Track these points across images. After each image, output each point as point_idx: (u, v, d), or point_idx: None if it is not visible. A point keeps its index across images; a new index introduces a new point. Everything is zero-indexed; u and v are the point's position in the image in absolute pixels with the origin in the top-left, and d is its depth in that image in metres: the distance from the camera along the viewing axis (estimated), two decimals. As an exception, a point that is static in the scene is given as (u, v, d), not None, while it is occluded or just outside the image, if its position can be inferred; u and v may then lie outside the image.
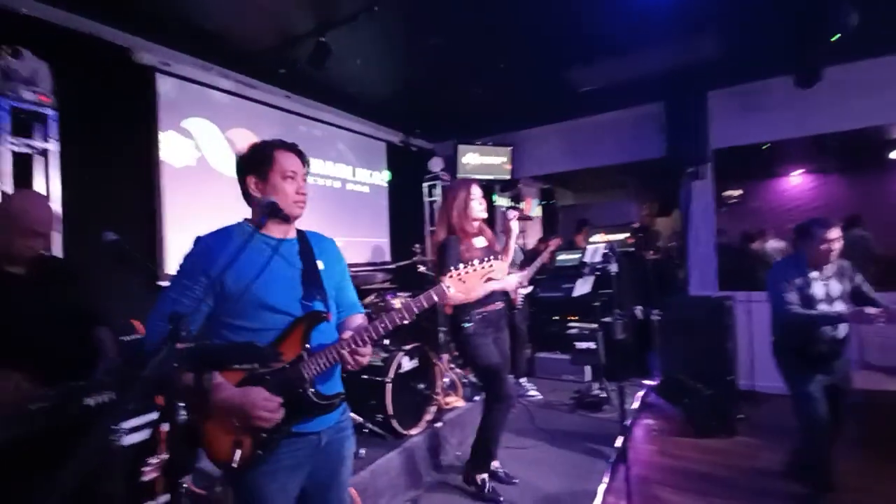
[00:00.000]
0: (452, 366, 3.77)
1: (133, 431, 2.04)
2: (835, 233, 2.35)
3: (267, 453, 1.20)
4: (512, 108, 4.97)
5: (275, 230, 1.32)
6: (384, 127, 5.30)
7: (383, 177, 5.32)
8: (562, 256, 5.11)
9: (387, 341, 3.14)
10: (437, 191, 5.46)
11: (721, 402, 3.58)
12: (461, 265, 1.35)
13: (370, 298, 3.42)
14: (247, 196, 1.35)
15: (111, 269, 1.90)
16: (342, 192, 4.76)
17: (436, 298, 1.33)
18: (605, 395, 3.83)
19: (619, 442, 3.13)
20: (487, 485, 2.51)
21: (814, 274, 2.43)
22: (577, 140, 5.38)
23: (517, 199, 6.56)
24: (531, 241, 6.65)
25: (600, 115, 5.16)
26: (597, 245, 3.85)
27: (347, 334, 1.28)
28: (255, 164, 1.32)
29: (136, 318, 2.24)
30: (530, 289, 4.13)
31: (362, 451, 2.55)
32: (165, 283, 3.14)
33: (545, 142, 5.60)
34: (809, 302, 2.39)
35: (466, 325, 2.38)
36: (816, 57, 3.46)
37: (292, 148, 1.35)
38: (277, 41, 3.24)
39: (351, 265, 4.69)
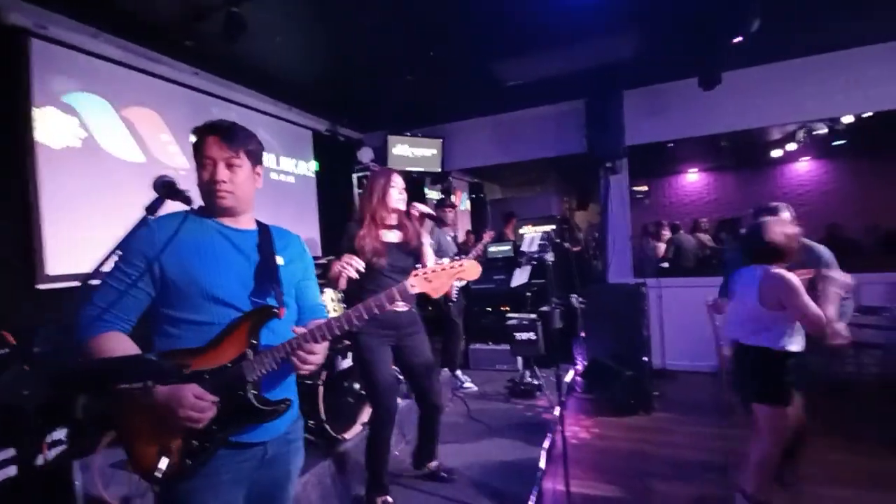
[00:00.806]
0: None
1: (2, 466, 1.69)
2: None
3: (198, 464, 1.07)
4: (442, 99, 4.92)
5: (229, 220, 1.23)
6: (309, 114, 4.99)
7: (310, 167, 5.01)
8: (492, 248, 5.19)
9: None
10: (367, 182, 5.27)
11: (639, 382, 3.85)
12: (430, 263, 1.30)
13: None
14: None
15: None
16: (265, 181, 4.37)
17: (398, 297, 1.24)
18: (537, 382, 3.94)
19: (553, 427, 3.23)
20: None
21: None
22: (505, 134, 5.48)
23: (448, 192, 6.56)
24: (461, 235, 6.71)
25: (527, 111, 5.30)
26: (533, 234, 3.93)
27: (300, 331, 1.17)
28: (194, 151, 1.21)
29: (4, 328, 1.85)
30: (464, 281, 4.12)
31: (293, 461, 2.37)
32: (46, 286, 2.68)
33: (474, 135, 5.64)
34: None
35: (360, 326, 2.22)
36: (717, 61, 3.81)
37: (210, 129, 1.20)
38: (182, 7, 2.86)
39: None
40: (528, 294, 4.40)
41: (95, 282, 1.08)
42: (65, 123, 2.87)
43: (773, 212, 2.42)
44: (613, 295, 4.56)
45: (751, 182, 9.51)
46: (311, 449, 2.53)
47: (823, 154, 8.71)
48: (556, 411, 3.29)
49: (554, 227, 5.49)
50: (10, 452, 1.62)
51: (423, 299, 2.21)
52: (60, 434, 1.54)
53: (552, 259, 2.65)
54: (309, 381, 2.58)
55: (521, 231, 5.59)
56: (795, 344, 2.04)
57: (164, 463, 1.02)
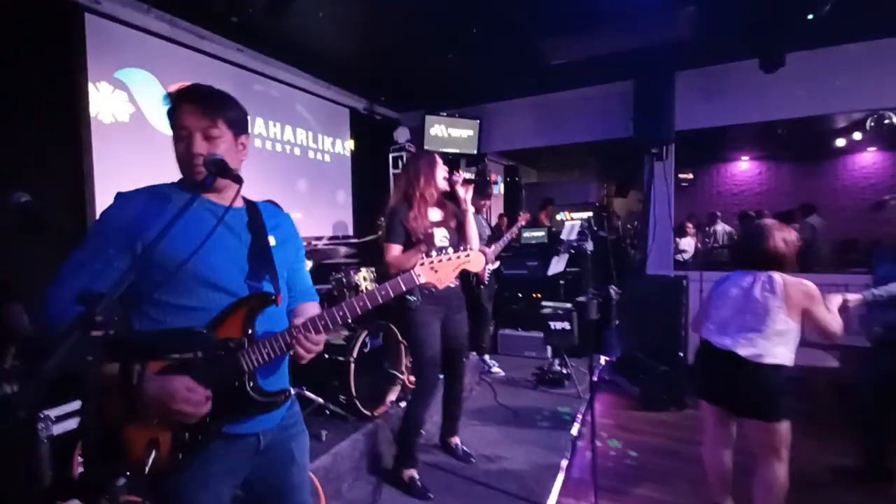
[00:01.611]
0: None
1: (62, 419, 1.82)
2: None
3: (189, 457, 1.00)
4: (482, 79, 4.79)
5: (218, 196, 1.12)
6: (348, 92, 4.98)
7: (347, 146, 5.04)
8: (526, 234, 5.10)
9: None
10: (403, 162, 5.25)
11: (673, 378, 3.74)
12: (434, 253, 1.25)
13: (332, 274, 3.24)
14: None
15: (23, 235, 1.62)
16: (302, 159, 4.47)
17: (403, 287, 1.21)
18: (566, 371, 3.89)
19: (580, 418, 3.20)
20: (417, 482, 2.38)
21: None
22: (546, 116, 5.30)
23: (483, 174, 6.46)
24: (493, 218, 6.63)
25: (569, 92, 5.09)
26: (573, 222, 3.83)
27: (299, 320, 1.11)
28: (169, 120, 1.09)
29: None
30: (497, 265, 4.08)
31: (324, 434, 2.44)
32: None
33: (513, 116, 5.49)
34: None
35: (410, 297, 2.27)
36: (783, 41, 3.52)
37: (185, 96, 1.07)
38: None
39: (312, 238, 4.45)
40: (562, 282, 4.32)
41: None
42: (116, 98, 2.98)
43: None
44: (651, 287, 4.42)
45: (808, 173, 8.89)
46: (340, 424, 2.62)
47: (892, 145, 8.02)
48: (585, 402, 3.25)
49: (591, 213, 5.33)
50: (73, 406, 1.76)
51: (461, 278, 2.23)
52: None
53: (591, 248, 2.57)
54: (341, 358, 2.63)
55: (557, 217, 5.46)
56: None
57: (151, 457, 0.95)
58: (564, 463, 2.68)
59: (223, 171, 1.00)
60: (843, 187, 8.61)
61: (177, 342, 0.82)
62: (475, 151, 5.49)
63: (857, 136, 6.63)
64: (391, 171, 5.30)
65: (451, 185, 2.38)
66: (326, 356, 2.71)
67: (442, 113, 5.28)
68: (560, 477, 2.55)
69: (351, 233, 4.96)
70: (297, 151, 4.40)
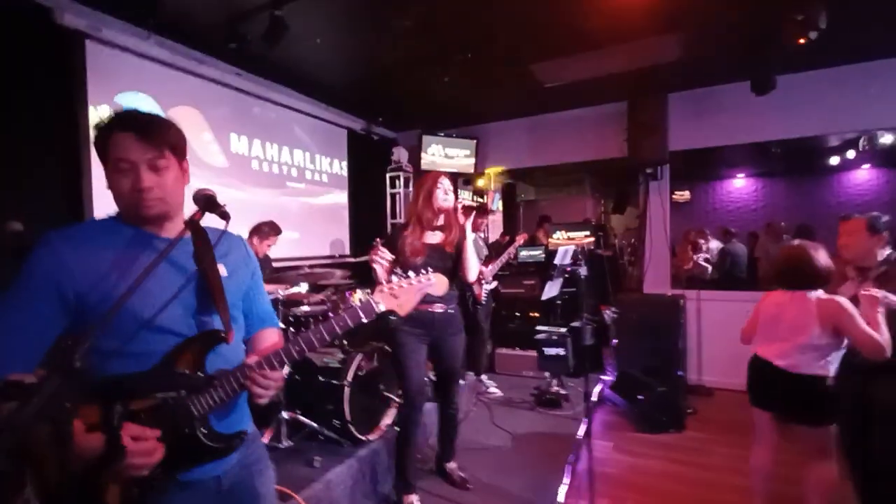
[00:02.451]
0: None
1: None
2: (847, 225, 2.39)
3: None
4: (478, 100, 4.86)
5: (152, 226, 1.02)
6: (345, 113, 5.05)
7: (343, 166, 5.08)
8: (523, 252, 5.11)
9: (345, 341, 2.98)
10: (400, 182, 5.30)
11: (672, 398, 3.70)
12: (394, 278, 1.20)
13: (328, 295, 3.23)
14: None
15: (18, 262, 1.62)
16: (299, 180, 4.50)
17: (362, 317, 1.14)
18: (563, 392, 3.85)
19: (579, 440, 3.15)
20: None
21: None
22: (542, 136, 5.37)
23: (479, 193, 6.50)
24: (492, 236, 6.64)
25: (564, 112, 5.17)
26: (567, 247, 3.83)
27: (252, 359, 1.03)
28: (98, 150, 0.98)
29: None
30: (494, 284, 4.08)
31: (317, 460, 2.40)
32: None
33: (510, 136, 5.56)
34: None
35: (391, 317, 2.24)
36: (773, 64, 3.58)
37: (129, 126, 0.97)
38: (227, 11, 2.95)
39: (308, 258, 4.45)
40: (559, 302, 4.31)
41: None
42: (116, 122, 3.01)
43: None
44: (648, 305, 4.41)
45: (804, 190, 8.94)
46: (334, 449, 2.58)
47: (886, 162, 8.09)
48: (583, 424, 3.21)
49: (587, 232, 5.34)
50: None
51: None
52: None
53: (585, 273, 2.57)
54: (335, 382, 2.61)
55: (553, 236, 5.47)
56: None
57: None
58: (563, 489, 2.63)
59: (212, 206, 0.98)
60: (839, 204, 8.65)
61: (157, 382, 0.80)
62: (473, 170, 5.54)
63: (851, 154, 6.70)
64: (388, 190, 5.34)
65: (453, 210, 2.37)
66: (321, 379, 2.69)
67: (439, 133, 5.35)
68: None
69: (349, 252, 4.97)
70: (294, 172, 4.44)
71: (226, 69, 3.70)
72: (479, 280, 3.89)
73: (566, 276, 3.77)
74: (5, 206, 2.29)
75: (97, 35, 2.86)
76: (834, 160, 7.40)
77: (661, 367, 3.99)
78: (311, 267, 3.30)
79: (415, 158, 5.26)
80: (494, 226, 7.45)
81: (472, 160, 5.47)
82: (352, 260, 4.70)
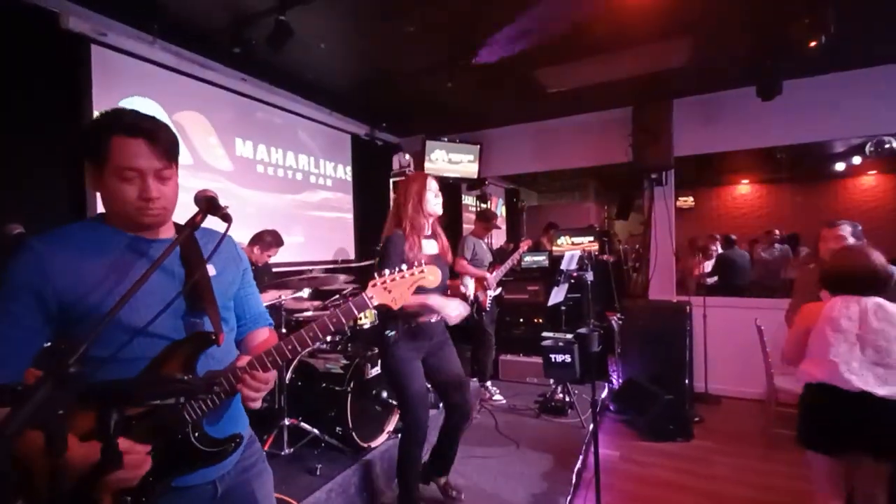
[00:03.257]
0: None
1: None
2: (839, 230, 2.40)
3: None
4: (482, 106, 4.86)
5: (148, 231, 1.00)
6: (349, 118, 5.05)
7: (347, 171, 5.08)
8: (527, 258, 5.08)
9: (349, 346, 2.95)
10: (403, 187, 5.29)
11: (679, 406, 3.65)
12: (386, 271, 1.17)
13: (332, 300, 3.21)
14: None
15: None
16: (304, 184, 4.50)
17: (355, 311, 1.13)
18: (569, 399, 3.81)
19: (584, 449, 3.10)
20: None
21: None
22: (546, 141, 5.36)
23: (483, 198, 6.49)
24: (496, 242, 6.62)
25: (568, 118, 5.16)
26: (572, 251, 3.80)
27: (244, 360, 1.01)
28: (88, 148, 0.94)
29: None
30: (499, 290, 4.04)
31: (319, 468, 2.37)
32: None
33: (513, 142, 5.55)
34: None
35: (388, 332, 2.13)
36: (779, 69, 3.56)
37: (140, 130, 0.93)
38: (232, 16, 2.95)
39: (312, 263, 4.44)
40: (563, 308, 4.27)
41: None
42: (120, 126, 3.02)
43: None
44: (654, 312, 4.37)
45: (810, 196, 8.89)
46: (337, 457, 2.55)
47: (893, 168, 8.04)
48: (589, 432, 3.16)
49: (592, 238, 5.31)
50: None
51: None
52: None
53: (591, 278, 2.53)
54: (338, 389, 2.58)
55: (558, 241, 5.44)
56: None
57: None
58: (568, 498, 2.59)
59: (214, 208, 0.96)
60: (845, 210, 8.59)
61: (155, 388, 0.78)
62: (476, 176, 5.53)
63: (857, 160, 6.65)
64: (392, 195, 5.33)
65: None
66: (323, 385, 2.66)
67: (442, 138, 5.34)
68: (563, 513, 2.46)
69: (353, 257, 4.96)
70: (298, 177, 4.44)
71: (231, 74, 3.71)
72: (483, 287, 3.86)
73: (572, 281, 3.73)
74: (9, 209, 2.29)
75: (102, 40, 2.86)
76: (840, 166, 7.36)
77: (667, 375, 3.94)
78: (315, 271, 3.28)
79: (418, 164, 5.26)
80: (497, 232, 7.43)
81: (476, 166, 5.46)
82: (355, 264, 4.68)
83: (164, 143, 0.95)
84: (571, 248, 4.91)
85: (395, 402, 2.88)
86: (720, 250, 6.39)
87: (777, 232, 6.62)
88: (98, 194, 0.98)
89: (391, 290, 1.15)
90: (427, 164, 5.21)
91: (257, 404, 1.02)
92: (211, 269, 1.06)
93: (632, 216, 6.81)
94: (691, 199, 9.89)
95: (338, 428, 2.58)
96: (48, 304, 0.89)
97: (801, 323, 1.94)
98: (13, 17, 2.47)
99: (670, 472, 3.04)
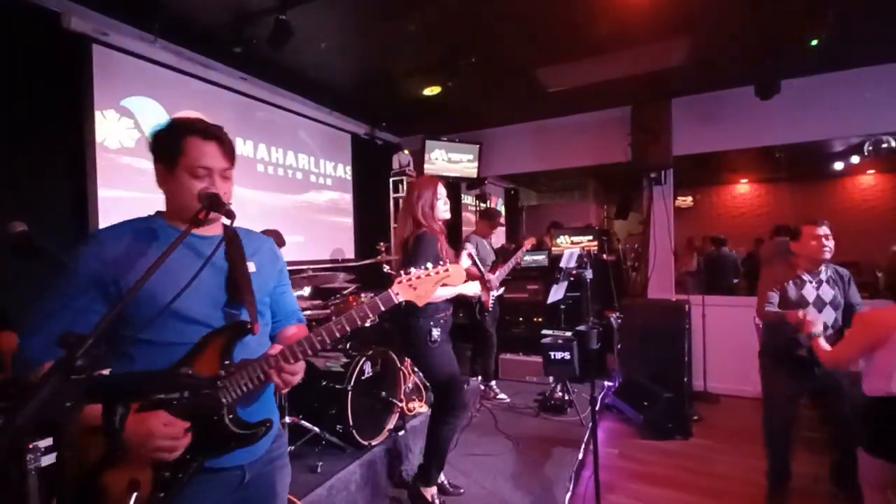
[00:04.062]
0: (416, 370, 3.63)
1: (51, 451, 1.78)
2: (824, 229, 2.35)
3: (171, 496, 0.97)
4: (481, 105, 4.87)
5: (193, 226, 1.07)
6: (349, 118, 5.06)
7: (347, 170, 5.09)
8: (527, 257, 5.09)
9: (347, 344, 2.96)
10: (404, 186, 5.29)
11: (678, 405, 3.66)
12: (412, 269, 1.20)
13: (331, 299, 3.22)
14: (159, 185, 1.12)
15: (26, 266, 1.62)
16: (304, 183, 4.51)
17: (382, 306, 1.18)
18: (568, 397, 3.82)
19: (584, 447, 3.12)
20: (437, 500, 2.36)
21: (805, 276, 2.42)
22: (545, 141, 5.37)
23: (482, 198, 6.50)
24: (496, 242, 6.62)
25: (568, 117, 5.17)
26: (572, 249, 3.80)
27: (276, 349, 1.09)
28: (161, 150, 1.07)
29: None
30: (501, 290, 4.02)
31: (320, 465, 2.38)
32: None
33: (513, 141, 5.56)
34: (799, 305, 2.34)
35: (435, 331, 2.23)
36: (777, 68, 3.58)
37: (212, 136, 1.07)
38: (232, 15, 2.96)
39: (312, 262, 4.45)
40: (563, 307, 4.28)
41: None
42: (122, 125, 3.03)
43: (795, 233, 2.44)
44: (653, 311, 4.39)
45: (808, 195, 8.91)
46: (336, 453, 2.56)
47: (892, 167, 8.06)
48: (588, 430, 3.18)
49: (591, 237, 5.32)
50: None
51: (459, 305, 2.23)
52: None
53: (591, 276, 2.55)
54: (338, 387, 2.59)
55: (557, 240, 5.45)
56: None
57: (133, 498, 0.91)
58: (567, 496, 2.60)
59: (217, 205, 1.01)
60: (844, 209, 8.62)
61: (161, 383, 0.79)
62: (475, 175, 5.54)
63: (856, 159, 6.67)
64: (392, 195, 5.34)
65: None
66: (324, 383, 2.68)
67: (442, 138, 5.35)
68: (563, 511, 2.47)
69: (352, 257, 4.97)
70: (298, 176, 4.45)
71: (231, 73, 3.72)
72: (486, 287, 3.83)
73: (571, 279, 3.73)
74: (11, 207, 2.30)
75: (104, 39, 2.87)
76: (838, 165, 7.37)
77: (666, 373, 3.95)
78: (314, 270, 3.30)
79: (418, 163, 5.27)
80: (496, 232, 7.44)
81: (476, 165, 5.47)
82: (355, 263, 4.69)
83: (229, 147, 1.10)
84: (570, 248, 4.92)
85: (394, 401, 2.90)
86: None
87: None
88: (161, 191, 1.12)
89: (416, 287, 1.19)
90: (426, 164, 5.22)
91: (285, 390, 1.10)
92: (251, 266, 1.16)
93: (631, 215, 6.84)
94: (690, 198, 9.91)
95: (338, 426, 2.59)
96: (108, 288, 0.99)
97: (867, 333, 1.87)
98: (15, 17, 2.48)
99: (669, 469, 3.05)
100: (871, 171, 8.40)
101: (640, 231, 5.86)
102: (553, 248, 5.35)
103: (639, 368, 4.14)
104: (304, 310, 3.10)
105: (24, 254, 1.48)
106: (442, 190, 2.31)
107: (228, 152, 1.10)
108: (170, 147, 1.05)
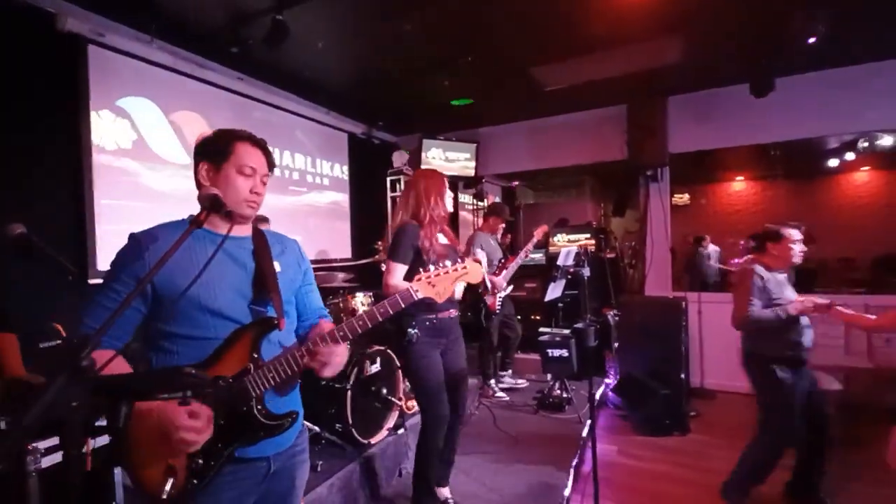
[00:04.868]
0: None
1: (51, 452, 1.78)
2: (800, 235, 2.43)
3: (204, 482, 1.03)
4: (478, 104, 4.88)
5: (223, 227, 1.14)
6: (346, 117, 5.06)
7: (344, 169, 5.09)
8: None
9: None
10: (401, 186, 5.30)
11: (675, 401, 3.69)
12: (432, 268, 1.24)
13: (331, 299, 3.22)
14: (198, 184, 1.18)
15: (25, 267, 1.63)
16: (301, 184, 4.51)
17: (402, 303, 1.22)
18: (566, 395, 3.84)
19: (582, 444, 3.14)
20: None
21: (780, 277, 2.46)
22: (542, 140, 5.39)
23: (480, 196, 6.50)
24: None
25: (564, 116, 5.19)
26: (569, 247, 3.80)
27: (317, 332, 1.17)
28: (211, 151, 1.17)
29: (58, 321, 1.96)
30: (509, 289, 3.95)
31: (319, 464, 2.39)
32: (97, 281, 2.83)
33: (509, 140, 5.57)
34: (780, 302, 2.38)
35: (410, 331, 2.15)
36: (772, 66, 3.60)
37: (259, 144, 1.21)
38: (228, 15, 2.96)
39: (311, 262, 4.46)
40: (561, 305, 4.29)
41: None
42: (118, 126, 3.02)
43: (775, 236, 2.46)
44: (650, 308, 4.40)
45: (804, 192, 8.97)
46: (337, 453, 2.57)
47: (887, 164, 8.11)
48: (586, 427, 3.20)
49: (588, 235, 5.34)
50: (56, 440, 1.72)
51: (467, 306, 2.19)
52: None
53: (588, 274, 2.56)
54: (338, 385, 2.60)
55: (554, 239, 5.47)
56: None
57: (169, 484, 0.98)
58: (567, 492, 2.62)
59: (218, 206, 1.04)
60: (838, 206, 8.68)
61: (165, 382, 0.81)
62: (473, 174, 5.55)
63: (851, 156, 6.72)
64: (389, 194, 5.35)
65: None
66: (323, 382, 2.68)
67: (439, 137, 5.36)
68: (562, 507, 2.48)
69: (350, 255, 4.97)
70: (296, 176, 4.45)
71: (228, 73, 3.72)
72: (493, 291, 3.76)
73: (569, 277, 3.74)
74: (8, 209, 2.30)
75: (100, 40, 2.87)
76: (833, 162, 7.42)
77: (663, 370, 3.97)
78: (313, 270, 3.30)
79: (415, 162, 5.27)
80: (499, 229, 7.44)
81: (473, 164, 5.48)
82: (353, 263, 4.70)
83: (271, 157, 1.22)
84: (568, 245, 4.94)
85: (394, 399, 2.91)
86: (710, 248, 6.53)
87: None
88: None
89: (435, 284, 1.23)
90: (424, 163, 5.22)
91: (328, 372, 1.15)
92: (277, 266, 1.22)
93: (628, 213, 6.88)
94: (687, 196, 9.95)
95: (338, 425, 2.60)
96: (145, 287, 1.05)
97: None
98: (11, 18, 2.47)
99: (667, 465, 3.07)
100: (866, 168, 8.46)
101: (637, 228, 5.88)
102: (550, 247, 5.37)
103: (636, 365, 4.16)
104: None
105: (24, 255, 1.49)
106: (446, 182, 2.30)
107: (270, 161, 1.22)
108: (220, 149, 1.16)
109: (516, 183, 8.09)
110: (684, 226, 8.49)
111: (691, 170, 7.63)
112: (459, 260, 1.29)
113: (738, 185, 9.74)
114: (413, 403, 3.25)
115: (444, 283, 1.24)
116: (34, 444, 1.72)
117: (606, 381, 4.40)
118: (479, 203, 6.33)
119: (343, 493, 2.34)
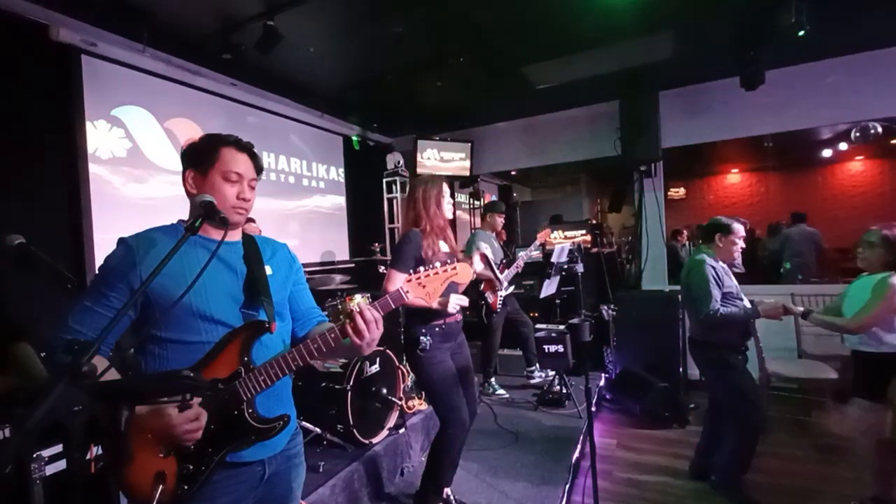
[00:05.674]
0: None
1: (55, 460, 1.80)
2: (744, 232, 2.54)
3: (195, 488, 1.02)
4: (472, 104, 4.90)
5: (214, 233, 1.16)
6: (340, 120, 5.08)
7: (340, 172, 5.11)
8: (521, 252, 5.12)
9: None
10: (397, 187, 5.33)
11: (674, 394, 3.72)
12: (421, 268, 1.23)
13: (329, 301, 3.25)
14: (186, 192, 1.19)
15: (29, 278, 1.64)
16: (297, 187, 4.53)
17: (392, 304, 1.20)
18: (565, 390, 3.87)
19: (582, 438, 3.16)
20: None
21: (725, 266, 2.55)
22: (536, 137, 5.41)
23: (476, 195, 6.53)
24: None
25: (558, 113, 5.22)
26: (563, 244, 3.81)
27: (293, 349, 1.14)
28: (196, 157, 1.17)
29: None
30: (511, 289, 3.97)
31: (321, 465, 2.41)
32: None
33: (504, 138, 5.60)
34: (731, 298, 2.47)
35: (423, 339, 2.14)
36: (761, 59, 3.62)
37: (245, 148, 1.20)
38: (220, 22, 2.98)
39: (307, 265, 4.46)
40: (558, 301, 4.31)
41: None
42: (113, 135, 3.04)
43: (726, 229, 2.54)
44: (647, 302, 4.43)
45: (798, 183, 9.01)
46: (338, 453, 2.59)
47: (880, 153, 8.15)
48: (586, 422, 3.22)
49: (584, 231, 5.36)
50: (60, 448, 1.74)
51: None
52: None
53: (582, 270, 2.58)
54: (338, 387, 2.62)
55: (551, 236, 5.48)
56: None
57: (158, 492, 0.97)
58: (567, 487, 2.64)
59: (212, 212, 1.05)
60: (833, 196, 8.71)
61: (163, 386, 0.82)
62: (468, 173, 5.57)
63: (844, 146, 6.75)
64: (385, 195, 5.37)
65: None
66: (323, 384, 2.70)
67: (434, 137, 5.38)
68: (562, 502, 2.51)
69: (347, 257, 4.99)
70: (291, 180, 4.47)
71: (221, 80, 3.73)
72: (493, 287, 3.78)
73: (563, 273, 3.75)
74: (6, 220, 2.32)
75: (93, 50, 2.88)
76: (827, 152, 7.46)
77: (661, 363, 4.01)
78: (310, 273, 3.32)
79: (410, 163, 5.29)
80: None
81: (468, 163, 5.50)
82: (350, 265, 4.72)
83: (258, 161, 1.22)
84: (562, 242, 4.95)
85: (394, 399, 2.93)
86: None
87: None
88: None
89: (425, 285, 1.22)
90: (419, 164, 5.24)
91: (367, 339, 1.11)
92: (268, 269, 1.23)
93: (624, 208, 6.91)
94: (682, 189, 9.99)
95: (339, 426, 2.62)
96: (134, 289, 1.05)
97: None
98: (3, 31, 2.48)
99: (667, 458, 3.10)
100: (860, 158, 8.50)
101: (633, 224, 5.91)
102: (546, 244, 5.38)
103: (634, 359, 4.19)
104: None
105: (23, 266, 1.50)
106: (446, 188, 2.31)
107: (257, 165, 1.21)
108: (205, 155, 1.15)
109: (514, 172, 8.12)
110: (681, 219, 8.52)
111: (686, 163, 7.67)
112: (450, 260, 1.28)
113: (734, 178, 9.78)
114: (413, 403, 3.28)
115: (434, 283, 1.23)
116: (38, 452, 1.75)
117: (605, 375, 4.43)
118: (476, 202, 6.36)
119: (345, 493, 2.36)
